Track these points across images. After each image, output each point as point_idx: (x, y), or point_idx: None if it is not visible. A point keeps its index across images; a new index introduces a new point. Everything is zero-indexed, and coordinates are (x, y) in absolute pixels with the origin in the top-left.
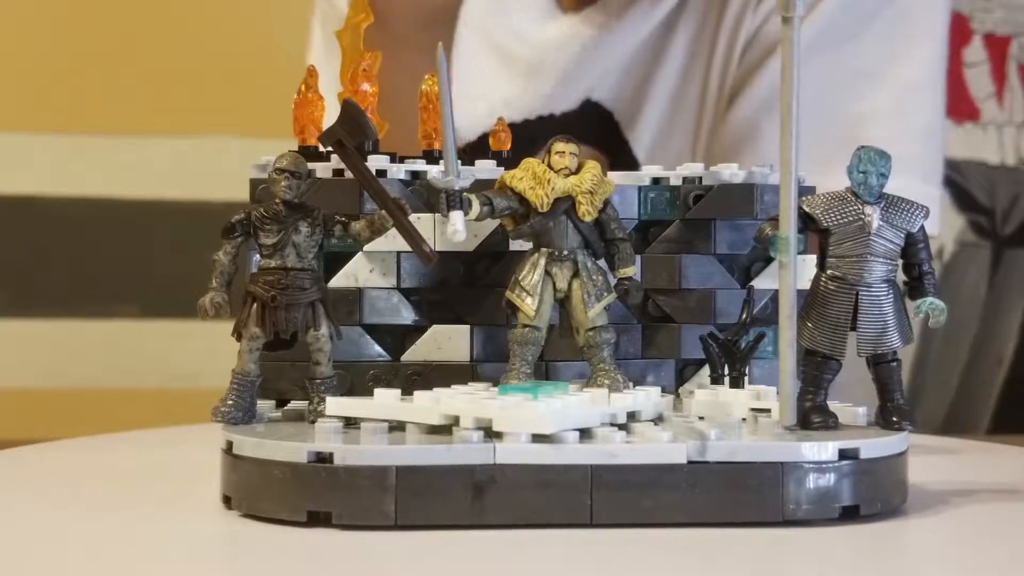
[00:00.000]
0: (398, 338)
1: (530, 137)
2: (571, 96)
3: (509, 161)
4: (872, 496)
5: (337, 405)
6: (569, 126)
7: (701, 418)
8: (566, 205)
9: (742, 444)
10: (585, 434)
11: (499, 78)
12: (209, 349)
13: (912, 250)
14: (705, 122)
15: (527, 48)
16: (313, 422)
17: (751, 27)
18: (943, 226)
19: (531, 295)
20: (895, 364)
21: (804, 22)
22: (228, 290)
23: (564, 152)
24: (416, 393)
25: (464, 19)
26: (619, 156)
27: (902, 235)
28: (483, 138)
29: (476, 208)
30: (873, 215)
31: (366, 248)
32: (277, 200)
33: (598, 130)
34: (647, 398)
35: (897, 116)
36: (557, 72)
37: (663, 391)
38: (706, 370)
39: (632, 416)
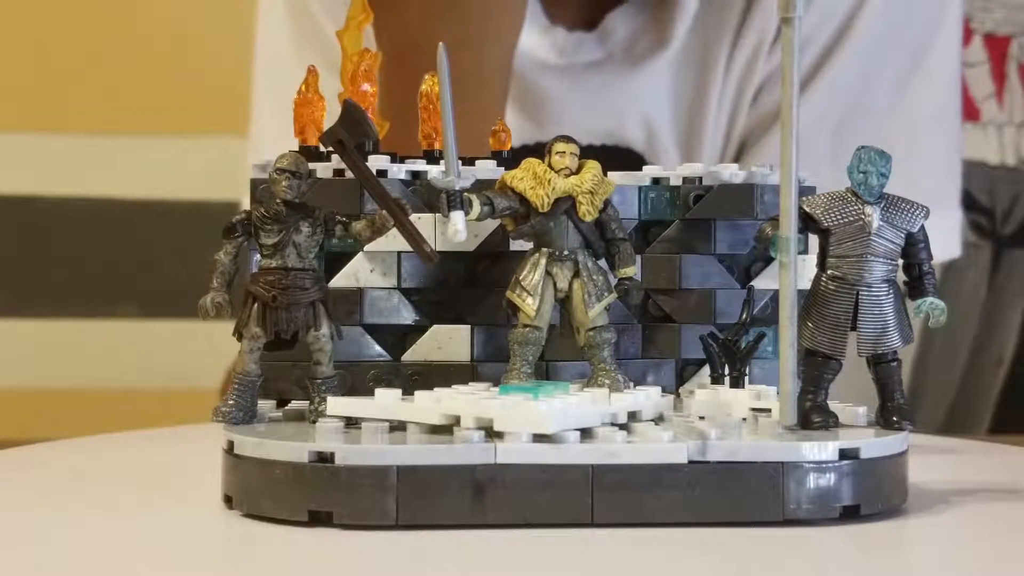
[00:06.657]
0: (398, 338)
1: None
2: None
3: (509, 161)
4: (872, 496)
5: (338, 405)
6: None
7: (701, 418)
8: (566, 205)
9: (742, 444)
10: (586, 434)
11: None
12: (209, 349)
13: (912, 250)
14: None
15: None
16: (314, 422)
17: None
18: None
19: (532, 295)
20: (895, 364)
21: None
22: (229, 290)
23: (564, 152)
24: (417, 393)
25: None
26: None
27: (902, 235)
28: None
29: (476, 208)
30: (873, 215)
31: (366, 248)
32: (278, 200)
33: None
34: (647, 398)
35: (914, 152)
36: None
37: (663, 391)
38: (706, 370)
39: (633, 416)
